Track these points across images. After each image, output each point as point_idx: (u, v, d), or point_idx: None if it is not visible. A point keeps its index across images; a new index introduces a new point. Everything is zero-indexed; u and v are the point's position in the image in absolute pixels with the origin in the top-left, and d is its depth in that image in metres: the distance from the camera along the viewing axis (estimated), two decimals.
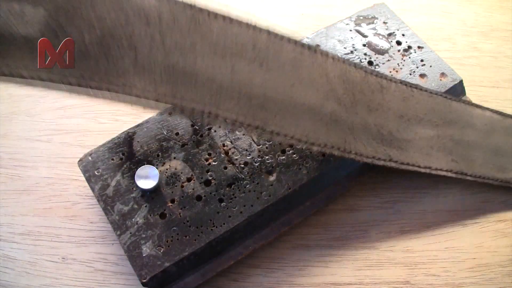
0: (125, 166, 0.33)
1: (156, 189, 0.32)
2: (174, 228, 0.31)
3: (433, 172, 0.34)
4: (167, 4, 0.26)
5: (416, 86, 0.37)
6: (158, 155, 0.34)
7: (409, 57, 0.40)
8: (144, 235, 0.30)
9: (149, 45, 0.25)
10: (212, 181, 0.33)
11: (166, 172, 0.33)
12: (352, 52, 0.40)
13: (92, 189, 0.32)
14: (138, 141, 0.34)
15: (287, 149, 0.34)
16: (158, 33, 0.26)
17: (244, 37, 0.28)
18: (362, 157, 0.32)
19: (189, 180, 0.33)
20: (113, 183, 0.32)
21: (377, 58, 0.40)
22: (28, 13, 0.23)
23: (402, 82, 0.36)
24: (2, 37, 0.23)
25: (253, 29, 0.29)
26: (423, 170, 0.33)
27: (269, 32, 0.29)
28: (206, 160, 0.34)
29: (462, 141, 0.36)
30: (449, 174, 0.34)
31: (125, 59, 0.25)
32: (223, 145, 0.34)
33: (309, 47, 0.31)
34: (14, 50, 0.24)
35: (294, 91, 0.29)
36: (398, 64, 0.40)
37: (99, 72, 0.24)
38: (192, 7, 0.27)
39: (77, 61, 0.24)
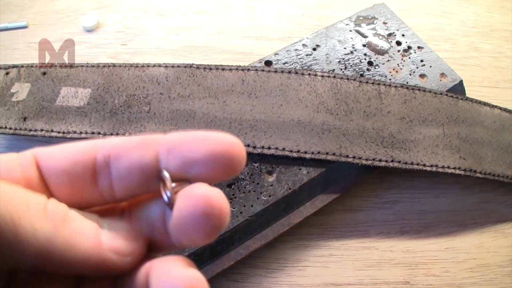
0: None
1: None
2: None
3: (440, 170, 0.34)
4: (172, 69, 0.37)
5: (419, 88, 0.37)
6: None
7: (409, 58, 0.40)
8: None
9: (159, 98, 0.35)
10: None
11: None
12: (352, 52, 0.40)
13: None
14: None
15: None
16: (165, 90, 0.36)
17: (234, 77, 0.36)
18: (361, 160, 0.33)
19: None
20: None
21: (377, 58, 0.40)
22: (79, 92, 0.36)
23: (403, 85, 0.37)
24: (63, 108, 0.35)
25: (242, 70, 0.36)
26: (429, 169, 0.34)
27: (256, 69, 0.36)
28: None
29: (470, 138, 0.36)
30: (457, 172, 0.34)
31: (142, 112, 0.35)
32: None
33: (296, 71, 0.37)
34: (69, 116, 0.35)
35: (282, 110, 0.35)
36: (398, 64, 0.40)
37: (124, 124, 0.34)
38: (191, 66, 0.37)
39: (109, 117, 0.35)
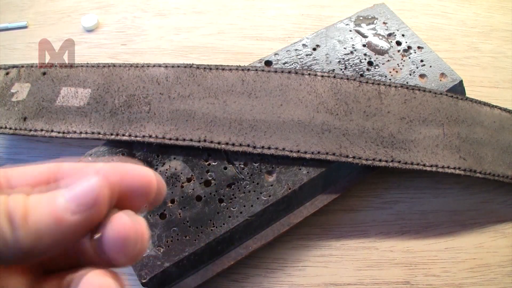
0: None
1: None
2: (174, 228, 0.31)
3: (440, 170, 0.34)
4: (172, 69, 0.37)
5: (418, 88, 0.37)
6: (158, 155, 0.34)
7: (409, 58, 0.40)
8: None
9: (159, 98, 0.35)
10: (212, 181, 0.33)
11: (166, 173, 0.33)
12: (352, 52, 0.40)
13: None
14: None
15: None
16: (165, 90, 0.36)
17: (234, 77, 0.36)
18: (361, 160, 0.33)
19: (189, 180, 0.33)
20: None
21: (377, 58, 0.40)
22: (79, 92, 0.36)
23: (403, 85, 0.37)
24: (63, 108, 0.35)
25: (242, 70, 0.37)
26: (429, 169, 0.34)
27: (256, 69, 0.36)
28: (206, 160, 0.34)
29: (470, 138, 0.36)
30: (457, 172, 0.34)
31: (142, 112, 0.35)
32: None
33: (296, 71, 0.37)
34: (69, 116, 0.35)
35: (282, 110, 0.35)
36: (398, 64, 0.40)
37: (124, 124, 0.34)
38: (191, 66, 0.37)
39: (109, 117, 0.35)
